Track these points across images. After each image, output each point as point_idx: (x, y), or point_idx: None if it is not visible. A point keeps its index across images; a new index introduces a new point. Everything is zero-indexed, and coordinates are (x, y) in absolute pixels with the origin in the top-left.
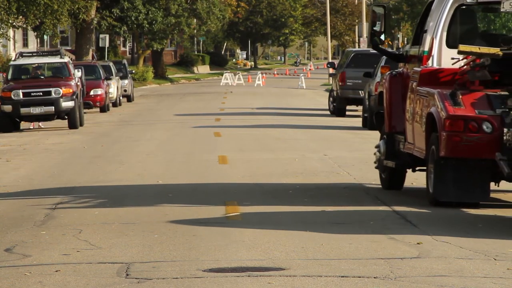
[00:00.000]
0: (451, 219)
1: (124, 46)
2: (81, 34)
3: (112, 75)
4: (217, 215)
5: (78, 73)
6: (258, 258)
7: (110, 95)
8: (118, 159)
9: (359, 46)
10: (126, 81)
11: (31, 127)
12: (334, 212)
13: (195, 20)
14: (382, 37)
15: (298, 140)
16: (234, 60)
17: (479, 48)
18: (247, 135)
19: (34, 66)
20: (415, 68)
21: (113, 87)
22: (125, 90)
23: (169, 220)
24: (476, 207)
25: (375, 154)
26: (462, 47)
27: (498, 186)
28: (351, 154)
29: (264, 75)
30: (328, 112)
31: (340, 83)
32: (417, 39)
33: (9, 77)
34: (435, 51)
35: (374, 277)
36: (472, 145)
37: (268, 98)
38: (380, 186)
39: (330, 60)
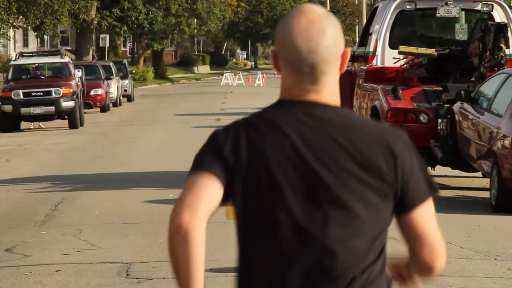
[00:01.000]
0: (452, 219)
1: (125, 46)
2: (82, 34)
3: (113, 75)
4: (217, 215)
5: (78, 73)
6: None
7: (110, 95)
8: (118, 159)
9: None
10: (126, 81)
11: (31, 127)
12: None
13: (195, 20)
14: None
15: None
16: (234, 60)
17: (417, 49)
18: None
19: (34, 66)
20: (361, 67)
21: (113, 87)
22: (125, 90)
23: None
24: None
25: None
26: (402, 48)
27: (434, 170)
28: None
29: (264, 75)
30: None
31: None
32: (364, 41)
33: (10, 77)
34: (379, 52)
35: None
36: (410, 134)
37: (268, 98)
38: None
39: None
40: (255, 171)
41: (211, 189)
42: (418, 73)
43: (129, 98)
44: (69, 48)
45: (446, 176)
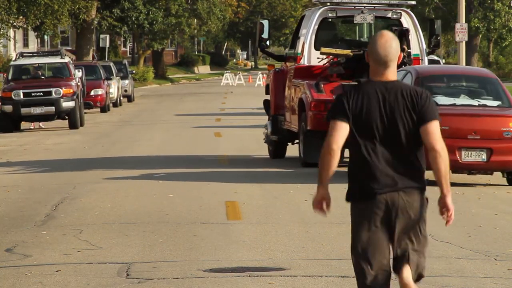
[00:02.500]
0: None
1: (125, 46)
2: (82, 34)
3: (113, 75)
4: (217, 215)
5: (78, 73)
6: (258, 258)
7: (111, 95)
8: (119, 159)
9: None
10: (126, 81)
11: (32, 127)
12: (334, 212)
13: (195, 20)
14: (268, 42)
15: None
16: (234, 60)
17: (336, 50)
18: (248, 135)
19: (34, 66)
20: (291, 66)
21: (114, 87)
22: (125, 90)
23: (170, 220)
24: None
25: (264, 132)
26: (323, 49)
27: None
28: None
29: (264, 75)
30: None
31: None
32: (294, 44)
33: (10, 77)
34: (305, 52)
35: None
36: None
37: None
38: None
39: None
40: (361, 109)
41: (344, 128)
42: (336, 70)
43: (129, 98)
44: (69, 48)
45: None
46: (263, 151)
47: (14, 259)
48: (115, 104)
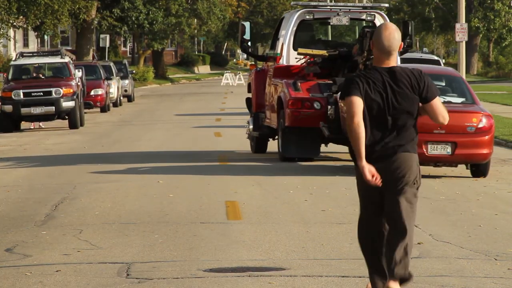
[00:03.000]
0: (452, 219)
1: (125, 46)
2: (82, 34)
3: (113, 75)
4: (217, 215)
5: (78, 73)
6: (258, 258)
7: (111, 95)
8: (119, 159)
9: None
10: (126, 81)
11: (32, 127)
12: (334, 212)
13: (195, 20)
14: (249, 43)
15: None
16: (234, 60)
17: (312, 51)
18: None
19: (34, 66)
20: (271, 65)
21: (114, 87)
22: (125, 90)
23: (170, 220)
24: (311, 161)
25: (246, 128)
26: (300, 50)
27: (326, 146)
28: None
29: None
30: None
31: None
32: (274, 45)
33: (10, 77)
34: (284, 53)
35: None
36: (307, 118)
37: None
38: None
39: None
40: (370, 91)
41: (361, 103)
42: (313, 70)
43: (129, 98)
44: (69, 48)
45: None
46: (263, 150)
47: (14, 259)
48: (115, 104)
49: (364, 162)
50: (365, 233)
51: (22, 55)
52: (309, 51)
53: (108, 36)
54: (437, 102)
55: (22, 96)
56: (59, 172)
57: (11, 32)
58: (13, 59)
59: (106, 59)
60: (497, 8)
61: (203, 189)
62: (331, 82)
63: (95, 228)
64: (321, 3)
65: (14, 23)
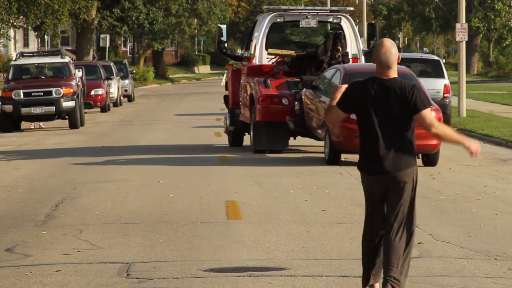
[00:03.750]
0: (452, 219)
1: (125, 46)
2: (82, 34)
3: (113, 75)
4: (217, 215)
5: (78, 73)
6: (258, 258)
7: (111, 95)
8: (119, 159)
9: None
10: (126, 81)
11: (32, 127)
12: (334, 212)
13: (195, 20)
14: (226, 44)
15: (298, 140)
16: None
17: (281, 51)
18: (247, 136)
19: (34, 66)
20: (245, 65)
21: (114, 87)
22: (125, 90)
23: (170, 220)
24: (280, 153)
25: (224, 123)
26: (270, 50)
27: (295, 139)
28: (352, 154)
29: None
30: None
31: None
32: (248, 46)
33: (10, 77)
34: (257, 53)
35: None
36: (276, 113)
37: None
38: None
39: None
40: (364, 102)
41: (340, 113)
42: (282, 69)
43: (130, 98)
44: (69, 48)
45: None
46: (263, 151)
47: (14, 259)
48: (115, 104)
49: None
50: (369, 234)
51: (22, 55)
52: (278, 51)
53: (108, 36)
54: (427, 114)
55: (22, 96)
56: (59, 172)
57: (11, 32)
58: (13, 59)
59: (106, 59)
60: (498, 8)
61: (203, 189)
62: (298, 79)
63: (95, 228)
64: (291, 7)
65: (14, 23)
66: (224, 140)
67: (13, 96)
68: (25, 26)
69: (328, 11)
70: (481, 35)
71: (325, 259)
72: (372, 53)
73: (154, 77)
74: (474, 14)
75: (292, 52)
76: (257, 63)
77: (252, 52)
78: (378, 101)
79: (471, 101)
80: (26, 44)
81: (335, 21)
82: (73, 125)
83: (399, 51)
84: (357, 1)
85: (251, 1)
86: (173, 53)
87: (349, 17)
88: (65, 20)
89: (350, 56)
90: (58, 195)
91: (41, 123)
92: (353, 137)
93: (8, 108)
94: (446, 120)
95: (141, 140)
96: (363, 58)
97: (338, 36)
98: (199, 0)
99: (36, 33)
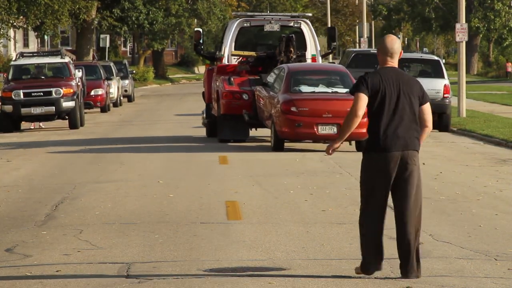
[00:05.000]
0: (452, 219)
1: (125, 46)
2: (82, 34)
3: (113, 75)
4: (217, 215)
5: (78, 73)
6: (258, 258)
7: (111, 95)
8: (119, 159)
9: (359, 46)
10: (126, 81)
11: (32, 127)
12: (334, 212)
13: (195, 20)
14: (202, 46)
15: (298, 140)
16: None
17: (243, 52)
18: None
19: (34, 66)
20: (216, 64)
21: (114, 87)
22: (125, 90)
23: (170, 220)
24: (243, 142)
25: (202, 116)
26: (234, 52)
27: (256, 130)
28: (352, 154)
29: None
30: None
31: None
32: (220, 47)
33: (10, 77)
34: (226, 54)
35: (375, 277)
36: (237, 107)
37: None
38: None
39: (331, 60)
40: (377, 89)
41: (364, 99)
42: (244, 68)
43: (130, 98)
44: (69, 48)
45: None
46: (263, 150)
47: (14, 259)
48: (115, 104)
49: (342, 143)
50: (367, 217)
51: (22, 55)
52: (240, 52)
53: (108, 36)
54: (429, 108)
55: (22, 96)
56: (59, 172)
57: (11, 32)
58: (13, 59)
59: (106, 59)
60: (497, 8)
61: (203, 189)
62: (258, 77)
63: (95, 228)
64: (257, 13)
65: (14, 23)
66: (223, 143)
67: (13, 96)
68: (25, 26)
69: (289, 17)
70: (481, 35)
71: (325, 259)
72: (331, 53)
73: (154, 77)
74: (474, 14)
75: (253, 53)
76: (226, 63)
77: (222, 53)
78: (397, 87)
79: (471, 101)
80: (26, 44)
81: (295, 25)
82: (73, 125)
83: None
84: (357, 1)
85: (251, 1)
86: (173, 53)
87: (308, 21)
88: (65, 20)
89: (309, 56)
90: (58, 195)
91: (41, 123)
92: (293, 127)
93: (8, 108)
94: (446, 120)
95: (141, 140)
96: (320, 58)
97: (290, 39)
98: (199, 0)
99: (36, 33)
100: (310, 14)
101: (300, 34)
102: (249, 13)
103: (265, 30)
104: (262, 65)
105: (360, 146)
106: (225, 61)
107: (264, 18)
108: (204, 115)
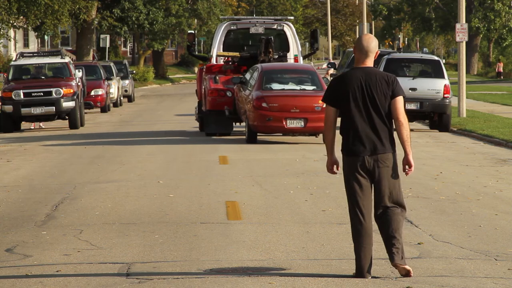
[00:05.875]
0: (452, 219)
1: (125, 46)
2: (82, 35)
3: (113, 75)
4: (217, 215)
5: (78, 73)
6: (258, 258)
7: (111, 96)
8: (119, 159)
9: None
10: (126, 81)
11: (32, 128)
12: (334, 212)
13: (195, 20)
14: (195, 47)
15: (298, 140)
16: None
17: (228, 53)
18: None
19: (34, 66)
20: (206, 64)
21: (114, 87)
22: (125, 91)
23: (170, 220)
24: (228, 135)
25: (195, 112)
26: (219, 53)
27: (240, 124)
28: None
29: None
30: None
31: None
32: (210, 49)
33: (10, 77)
34: (214, 55)
35: (375, 277)
36: (222, 103)
37: None
38: None
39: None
40: (345, 93)
41: (332, 110)
42: (228, 67)
43: (130, 98)
44: (69, 48)
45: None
46: (263, 150)
47: (14, 259)
48: (115, 104)
49: (332, 155)
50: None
51: (22, 55)
52: (225, 53)
53: (108, 36)
54: (400, 102)
55: (22, 96)
56: (59, 172)
57: (11, 32)
58: (13, 59)
59: (106, 59)
60: (497, 8)
61: (203, 189)
62: (241, 76)
63: (96, 228)
64: (242, 17)
65: (14, 23)
66: (223, 140)
67: (13, 97)
68: (25, 26)
69: (273, 20)
70: (481, 36)
71: (325, 259)
72: (313, 53)
73: (154, 78)
74: (474, 15)
75: (237, 54)
76: (214, 63)
77: (211, 53)
78: (365, 88)
79: (471, 101)
80: (26, 45)
81: (279, 28)
82: (73, 126)
83: (399, 51)
84: (357, 1)
85: (251, 1)
86: (173, 53)
87: (290, 24)
88: (65, 21)
89: (291, 56)
90: (58, 195)
91: (41, 124)
92: (264, 121)
93: (8, 108)
94: (447, 120)
95: (141, 140)
96: (301, 58)
97: (269, 41)
98: (199, 0)
99: (36, 34)
100: (292, 18)
101: (283, 36)
102: (235, 17)
103: (250, 32)
104: (246, 65)
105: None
106: (213, 61)
107: (250, 21)
108: (197, 111)
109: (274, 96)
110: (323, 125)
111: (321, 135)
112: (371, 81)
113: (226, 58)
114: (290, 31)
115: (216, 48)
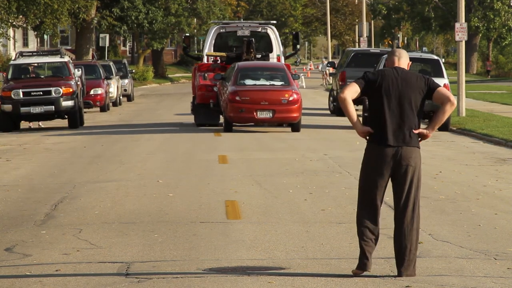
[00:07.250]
0: (452, 218)
1: (124, 45)
2: (81, 34)
3: (112, 74)
4: (217, 214)
5: (78, 73)
6: (258, 257)
7: (110, 95)
8: (118, 159)
9: (359, 46)
10: (126, 81)
11: (31, 126)
12: (334, 211)
13: (195, 19)
14: (189, 48)
15: (298, 140)
16: None
17: (216, 53)
18: (247, 135)
19: (34, 65)
20: (198, 63)
21: (113, 87)
22: (125, 90)
23: (169, 219)
24: (216, 126)
25: (190, 107)
26: (208, 53)
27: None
28: (352, 153)
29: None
30: (328, 112)
31: (340, 83)
32: (203, 49)
33: (9, 76)
34: (205, 55)
35: (374, 277)
36: (209, 97)
37: None
38: None
39: (330, 60)
40: (375, 82)
41: (354, 86)
42: (216, 66)
43: (129, 98)
44: (69, 47)
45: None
46: (263, 150)
47: (13, 258)
48: (114, 104)
49: (358, 122)
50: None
51: (21, 54)
52: (213, 53)
53: (107, 36)
54: (443, 89)
55: (21, 96)
56: (59, 172)
57: (10, 32)
58: (13, 58)
59: (106, 58)
60: (497, 7)
61: (203, 189)
62: (222, 73)
63: (95, 228)
64: (231, 21)
65: (14, 23)
66: (223, 140)
67: (12, 96)
68: (24, 25)
69: (258, 24)
70: (480, 35)
71: (324, 258)
72: (295, 53)
73: (153, 77)
74: (474, 14)
75: (224, 54)
76: (205, 62)
77: (204, 54)
78: (397, 85)
79: (471, 100)
80: (25, 44)
81: (263, 31)
82: (72, 125)
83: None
84: (356, 1)
85: (251, 1)
86: (173, 52)
87: (273, 27)
88: (64, 20)
89: (274, 56)
90: (58, 195)
91: (40, 123)
92: (237, 112)
93: (8, 107)
94: (446, 119)
95: (140, 140)
96: (282, 58)
97: (250, 42)
98: (198, 0)
99: (35, 33)
100: (274, 22)
101: (267, 38)
102: (224, 21)
103: (238, 34)
104: (232, 63)
105: (294, 128)
106: (204, 60)
107: (237, 25)
108: (192, 106)
109: (246, 90)
110: (289, 115)
111: (286, 125)
112: (407, 78)
113: (215, 57)
114: (273, 34)
115: (207, 49)
